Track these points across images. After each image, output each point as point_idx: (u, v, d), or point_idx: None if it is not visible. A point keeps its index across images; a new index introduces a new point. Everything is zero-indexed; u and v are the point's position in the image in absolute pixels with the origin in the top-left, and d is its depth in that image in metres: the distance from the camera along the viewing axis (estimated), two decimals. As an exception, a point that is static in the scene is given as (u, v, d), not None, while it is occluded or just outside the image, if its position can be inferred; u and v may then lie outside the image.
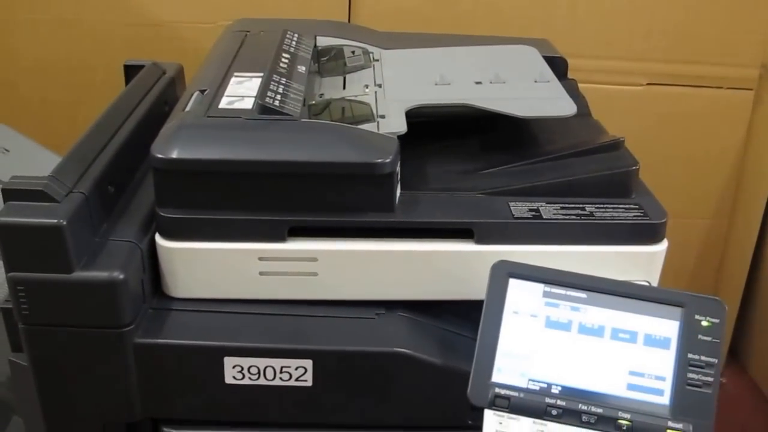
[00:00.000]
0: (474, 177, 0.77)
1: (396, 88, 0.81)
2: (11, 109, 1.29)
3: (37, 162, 0.93)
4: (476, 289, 0.72)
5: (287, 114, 0.71)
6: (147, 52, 1.30)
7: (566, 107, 0.78)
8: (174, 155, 0.67)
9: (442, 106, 0.78)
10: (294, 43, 0.87)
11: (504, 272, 0.68)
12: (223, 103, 0.73)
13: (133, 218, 0.73)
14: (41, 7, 1.28)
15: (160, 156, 0.67)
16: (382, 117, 0.75)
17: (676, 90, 1.22)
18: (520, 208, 0.73)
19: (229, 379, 0.70)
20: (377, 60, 0.89)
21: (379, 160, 0.68)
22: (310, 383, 0.70)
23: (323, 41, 0.92)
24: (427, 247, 0.71)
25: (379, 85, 0.82)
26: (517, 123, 0.86)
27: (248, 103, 0.73)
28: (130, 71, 0.93)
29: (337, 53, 0.89)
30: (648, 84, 1.21)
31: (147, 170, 0.81)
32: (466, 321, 0.75)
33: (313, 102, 0.78)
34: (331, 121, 0.74)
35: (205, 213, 0.69)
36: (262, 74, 0.78)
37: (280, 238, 0.70)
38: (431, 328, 0.73)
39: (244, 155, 0.68)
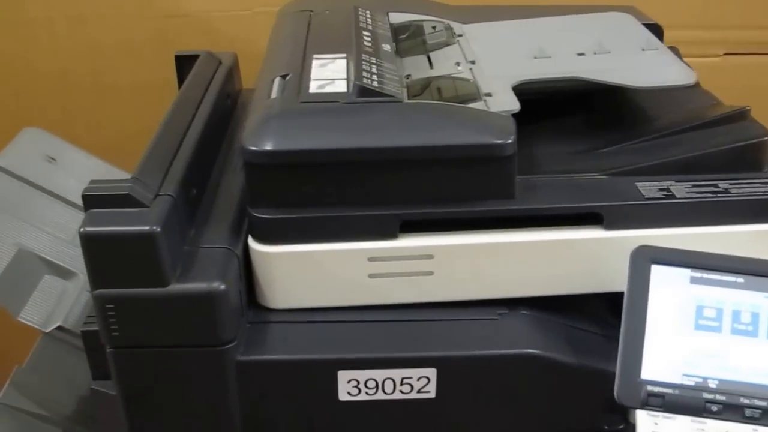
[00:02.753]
0: (590, 157, 0.72)
1: (492, 64, 0.75)
2: (30, 119, 1.22)
3: (88, 170, 0.87)
4: (606, 280, 0.67)
5: (389, 95, 0.65)
6: (176, 46, 1.24)
7: (685, 75, 0.73)
8: (271, 147, 0.61)
9: (550, 80, 0.72)
10: (369, 20, 0.81)
11: (645, 259, 0.63)
12: (313, 87, 0.67)
13: (221, 222, 0.67)
14: (55, 4, 1.21)
15: (254, 149, 0.61)
16: (488, 95, 0.69)
17: (755, 60, 1.17)
18: (649, 189, 0.67)
19: (343, 396, 0.64)
20: (460, 35, 0.83)
21: (500, 141, 0.62)
22: (433, 394, 0.64)
23: (397, 17, 0.86)
24: (551, 236, 0.65)
25: (473, 62, 0.76)
26: (621, 97, 0.80)
27: (341, 86, 0.67)
28: (183, 62, 0.88)
29: (416, 30, 0.83)
30: (725, 54, 1.16)
31: (223, 168, 0.75)
32: (591, 315, 0.70)
33: (410, 81, 0.72)
34: (434, 101, 0.68)
35: (306, 211, 0.63)
36: (344, 55, 0.72)
37: (392, 235, 0.64)
38: (557, 325, 0.67)
39: (349, 143, 0.61)
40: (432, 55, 0.80)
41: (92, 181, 0.60)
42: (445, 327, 0.66)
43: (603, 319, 0.70)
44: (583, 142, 0.74)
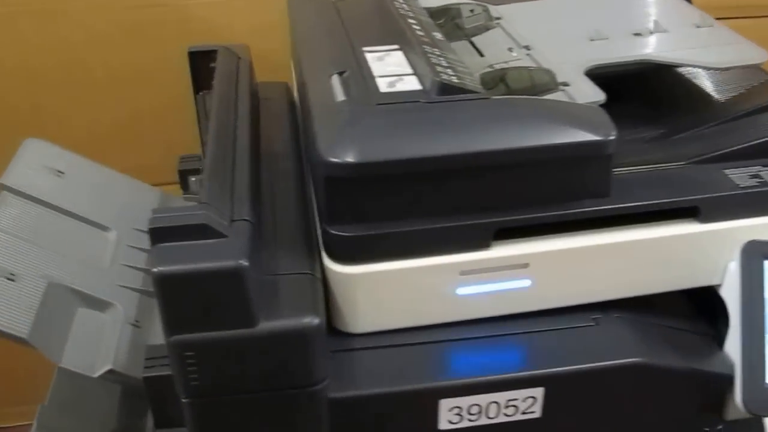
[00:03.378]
0: (666, 144, 0.65)
1: (550, 49, 0.67)
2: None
3: (97, 181, 0.75)
4: (701, 274, 0.61)
5: (472, 91, 0.56)
6: (151, 37, 1.12)
7: (758, 54, 0.66)
8: (356, 159, 0.51)
9: (619, 64, 0.65)
10: (405, 6, 0.72)
11: (758, 254, 0.56)
12: (383, 86, 0.57)
13: (289, 243, 0.57)
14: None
15: (336, 161, 0.52)
16: (565, 84, 0.61)
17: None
18: (740, 176, 0.60)
19: (443, 425, 0.57)
20: (498, 18, 0.74)
21: (603, 138, 0.54)
22: (538, 414, 0.57)
23: (427, 1, 0.76)
24: (647, 234, 0.58)
25: (527, 48, 0.68)
26: (675, 78, 0.74)
27: (412, 83, 0.57)
28: (197, 58, 0.76)
29: (454, 13, 0.74)
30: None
31: (268, 178, 0.65)
32: (677, 312, 0.64)
33: (483, 74, 0.63)
34: (512, 94, 0.60)
35: (391, 226, 0.54)
36: (397, 46, 0.63)
37: (485, 245, 0.56)
38: (651, 326, 0.61)
39: (442, 149, 0.52)
40: (475, 40, 0.72)
41: (155, 211, 0.50)
42: (544, 340, 0.58)
43: (688, 314, 0.64)
44: (650, 128, 0.67)
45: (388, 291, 0.56)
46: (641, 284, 0.60)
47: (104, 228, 0.71)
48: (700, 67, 0.65)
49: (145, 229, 0.72)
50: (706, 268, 0.60)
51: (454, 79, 0.57)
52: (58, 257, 0.64)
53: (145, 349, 0.56)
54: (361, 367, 0.56)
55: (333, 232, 0.55)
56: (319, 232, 0.58)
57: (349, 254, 0.55)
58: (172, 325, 0.49)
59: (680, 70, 0.74)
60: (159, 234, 0.49)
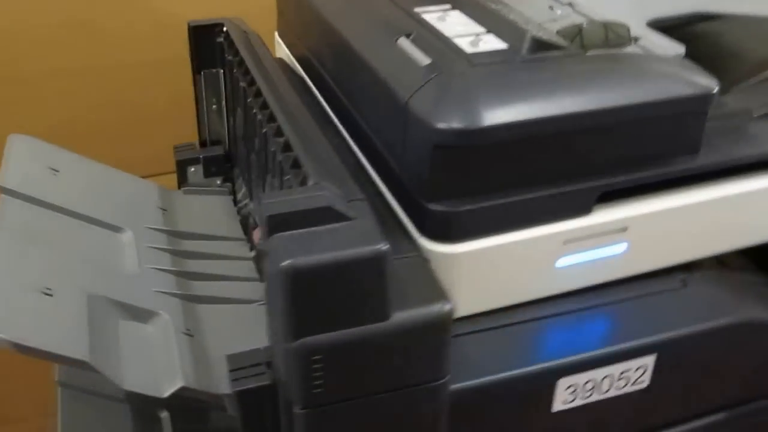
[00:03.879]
0: (731, 96, 0.62)
1: (594, 3, 0.63)
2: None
3: (92, 177, 0.64)
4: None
5: (564, 48, 0.51)
6: (93, 27, 0.99)
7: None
8: (473, 124, 0.45)
9: (676, 18, 0.62)
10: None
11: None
12: (466, 47, 0.51)
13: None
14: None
15: (450, 128, 0.45)
16: (636, 39, 0.57)
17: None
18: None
19: (557, 406, 0.51)
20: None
21: (708, 91, 0.51)
22: (646, 383, 0.53)
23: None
24: (735, 189, 0.55)
25: (569, 4, 0.63)
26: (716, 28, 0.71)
27: (494, 42, 0.52)
28: (198, 34, 0.66)
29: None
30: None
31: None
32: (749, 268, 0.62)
33: (559, 29, 0.57)
34: (587, 49, 0.55)
35: (494, 197, 0.48)
36: (450, 6, 0.57)
37: (586, 210, 0.51)
38: (739, 283, 0.58)
39: (555, 109, 0.47)
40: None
41: (267, 196, 0.41)
42: (640, 306, 0.54)
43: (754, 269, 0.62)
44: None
45: (489, 269, 0.50)
46: (730, 240, 0.57)
47: (117, 229, 0.60)
48: (752, 15, 0.63)
49: (162, 228, 0.63)
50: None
51: (543, 36, 0.51)
52: (85, 265, 0.54)
53: (228, 360, 0.47)
54: (474, 354, 0.50)
55: (435, 208, 0.48)
56: (399, 209, 0.51)
57: (450, 232, 0.49)
58: (298, 327, 0.41)
59: (729, 21, 0.72)
60: (277, 222, 0.40)
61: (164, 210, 0.66)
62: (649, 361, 0.52)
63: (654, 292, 0.55)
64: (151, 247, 0.60)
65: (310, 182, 0.44)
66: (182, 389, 0.49)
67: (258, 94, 0.56)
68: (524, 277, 0.52)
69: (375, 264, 0.41)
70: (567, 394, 0.51)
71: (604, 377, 0.52)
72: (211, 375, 0.51)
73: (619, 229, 0.53)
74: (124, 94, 0.99)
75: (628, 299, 0.55)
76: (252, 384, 0.46)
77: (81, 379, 0.64)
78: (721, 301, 0.55)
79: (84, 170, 0.64)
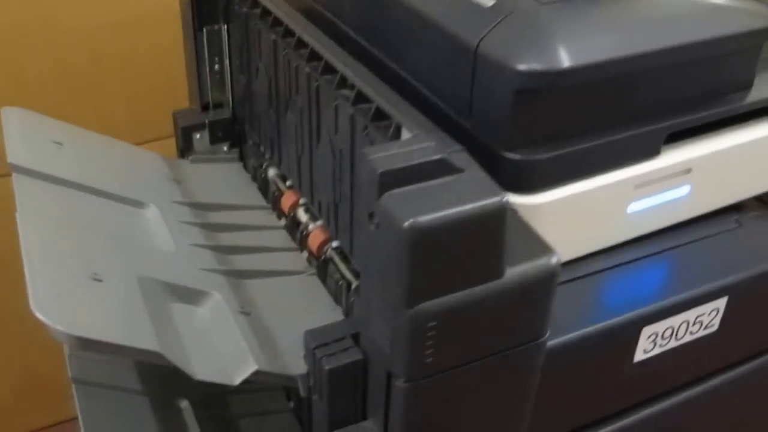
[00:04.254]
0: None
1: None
2: None
3: (97, 149, 0.57)
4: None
5: (624, -15, 0.48)
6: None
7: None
8: (559, 65, 0.42)
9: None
10: None
11: None
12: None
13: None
14: None
15: (529, 69, 0.42)
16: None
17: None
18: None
19: (639, 356, 0.49)
20: None
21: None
22: (716, 327, 0.52)
23: None
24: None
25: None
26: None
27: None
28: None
29: None
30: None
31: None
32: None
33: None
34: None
35: (570, 143, 0.45)
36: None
37: (655, 152, 0.49)
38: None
39: (634, 48, 0.44)
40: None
41: (371, 151, 0.37)
42: (700, 249, 0.53)
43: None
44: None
45: (565, 219, 0.47)
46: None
47: (140, 204, 0.53)
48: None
49: (185, 201, 0.57)
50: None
51: (606, -29, 0.48)
52: (122, 246, 0.48)
53: (308, 338, 0.43)
54: (561, 309, 0.47)
55: (513, 157, 0.44)
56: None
57: (529, 182, 0.45)
58: (416, 293, 0.37)
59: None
60: (389, 178, 0.36)
61: (178, 182, 0.59)
62: (722, 303, 0.51)
63: (713, 233, 0.54)
64: (181, 222, 0.54)
65: (405, 134, 0.40)
66: (255, 374, 0.44)
67: (300, 45, 0.50)
68: (598, 226, 0.49)
69: (496, 217, 0.37)
70: (648, 343, 0.49)
71: (682, 323, 0.50)
72: (279, 355, 0.46)
73: (684, 171, 0.51)
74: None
75: (691, 242, 0.53)
76: (344, 360, 0.41)
77: (94, 374, 0.58)
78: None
79: (86, 142, 0.57)
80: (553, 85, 0.42)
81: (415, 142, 0.38)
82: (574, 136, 0.46)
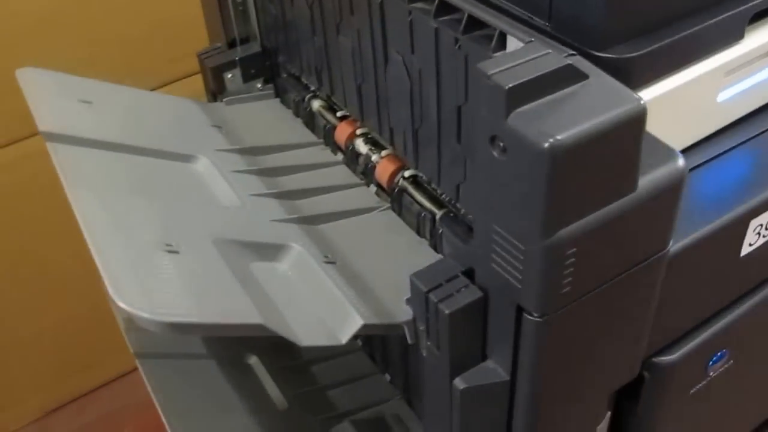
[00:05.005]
0: None
1: None
2: None
3: (133, 106, 0.50)
4: None
5: None
6: None
7: None
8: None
9: None
10: None
11: None
12: None
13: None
14: None
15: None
16: None
17: None
18: None
19: (745, 250, 0.45)
20: None
21: None
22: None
23: None
24: None
25: None
26: None
27: None
28: None
29: None
30: None
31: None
32: None
33: None
34: None
35: (660, 37, 0.39)
36: None
37: (740, 36, 0.43)
38: None
39: None
40: None
41: (484, 65, 0.30)
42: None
43: None
44: None
45: (659, 116, 0.41)
46: None
47: (188, 158, 0.47)
48: None
49: (234, 148, 0.51)
50: None
51: None
52: (185, 207, 0.42)
53: (417, 281, 0.37)
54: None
55: (609, 56, 0.38)
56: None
57: (628, 80, 0.39)
58: (556, 218, 0.31)
59: None
60: (517, 94, 0.30)
61: (218, 127, 0.53)
62: (821, 185, 0.46)
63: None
64: (235, 171, 0.48)
65: (513, 43, 0.34)
66: (363, 328, 0.39)
67: (350, -42, 0.43)
68: (691, 119, 0.44)
69: (637, 123, 0.31)
70: (753, 235, 0.45)
71: (784, 211, 0.45)
72: (379, 303, 0.41)
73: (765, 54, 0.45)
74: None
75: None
76: (463, 301, 0.37)
77: (155, 345, 0.53)
78: None
79: (115, 97, 0.50)
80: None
81: (532, 50, 0.32)
82: (661, 28, 0.40)
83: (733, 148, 0.46)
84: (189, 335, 0.37)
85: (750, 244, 0.45)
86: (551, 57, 0.31)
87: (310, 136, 0.54)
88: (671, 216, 0.37)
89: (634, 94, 0.31)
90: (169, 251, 0.37)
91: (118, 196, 0.39)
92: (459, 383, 0.39)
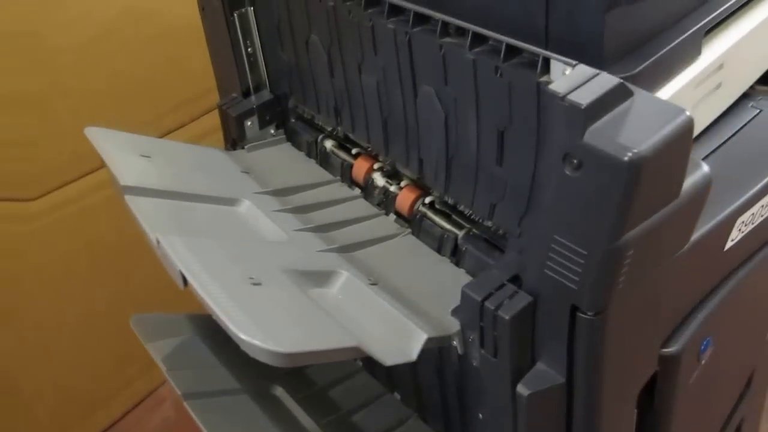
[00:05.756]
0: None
1: None
2: None
3: (180, 158, 0.46)
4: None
5: None
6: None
7: None
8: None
9: None
10: None
11: None
12: None
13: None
14: None
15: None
16: None
17: None
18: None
19: (728, 245, 0.45)
20: None
21: None
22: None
23: None
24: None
25: None
26: None
27: None
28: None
29: None
30: None
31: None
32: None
33: None
34: None
35: (656, 48, 0.38)
36: None
37: (698, 53, 0.43)
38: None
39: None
40: None
41: (556, 86, 0.29)
42: (755, 134, 0.48)
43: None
44: None
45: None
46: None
47: (233, 201, 0.43)
48: None
49: (268, 190, 0.47)
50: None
51: None
52: (250, 243, 0.38)
53: (469, 291, 0.35)
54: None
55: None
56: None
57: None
58: (624, 225, 0.30)
59: None
60: (591, 111, 0.28)
61: (247, 172, 0.49)
62: (779, 184, 0.47)
63: (747, 121, 0.49)
64: (273, 211, 0.44)
65: (558, 67, 0.32)
66: (427, 342, 0.36)
67: (371, 3, 0.41)
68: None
69: (689, 133, 0.30)
70: (735, 231, 0.45)
71: (761, 206, 0.46)
72: (429, 316, 0.38)
73: (719, 67, 0.46)
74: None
75: (737, 131, 0.48)
76: (519, 305, 0.34)
77: (194, 384, 0.49)
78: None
79: (165, 150, 0.46)
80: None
81: (581, 73, 0.30)
82: (648, 46, 0.39)
83: (708, 156, 0.47)
84: (299, 364, 0.33)
85: (732, 240, 0.45)
86: (604, 77, 0.30)
87: (326, 175, 0.51)
88: (696, 218, 0.36)
89: (682, 108, 0.31)
90: (253, 284, 0.33)
91: (197, 238, 0.35)
92: (523, 390, 0.36)
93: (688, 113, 0.30)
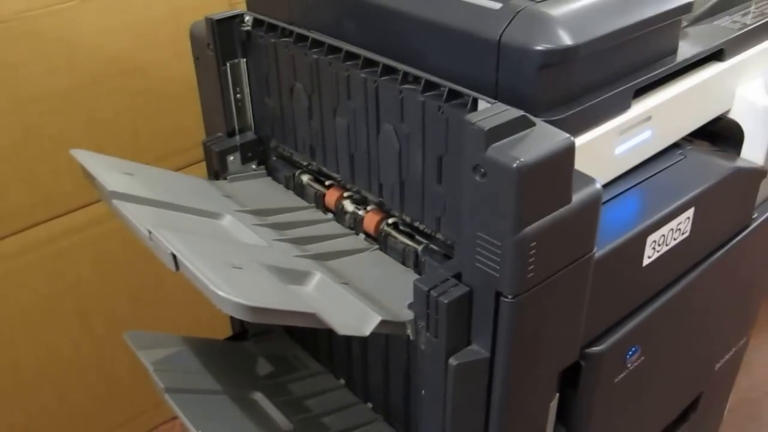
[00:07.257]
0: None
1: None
2: None
3: (161, 179, 0.63)
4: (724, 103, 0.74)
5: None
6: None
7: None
8: (574, 41, 0.54)
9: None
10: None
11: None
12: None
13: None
14: None
15: (553, 48, 0.53)
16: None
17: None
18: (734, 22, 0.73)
19: (645, 261, 0.62)
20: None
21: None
22: (688, 233, 0.66)
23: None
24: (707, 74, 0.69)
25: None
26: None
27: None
28: (220, 27, 0.67)
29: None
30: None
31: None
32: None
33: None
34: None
35: (579, 103, 0.58)
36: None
37: (627, 107, 0.62)
38: (711, 153, 0.73)
39: (626, 20, 0.57)
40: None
41: (471, 116, 0.47)
42: (671, 176, 0.67)
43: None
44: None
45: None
46: (697, 119, 0.72)
47: (216, 215, 0.61)
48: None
49: (246, 209, 0.65)
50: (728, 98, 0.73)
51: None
52: (233, 245, 0.55)
53: (420, 284, 0.52)
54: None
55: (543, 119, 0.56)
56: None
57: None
58: (522, 219, 0.47)
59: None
60: (492, 134, 0.46)
61: (228, 197, 0.67)
62: (691, 212, 0.65)
63: (672, 164, 0.68)
64: (254, 225, 0.61)
65: (483, 105, 0.51)
66: (379, 324, 0.53)
67: (349, 57, 0.60)
68: (598, 165, 0.61)
69: (569, 152, 0.48)
70: (650, 249, 0.62)
71: (669, 230, 0.63)
72: (387, 309, 0.55)
73: (646, 119, 0.65)
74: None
75: (658, 173, 0.67)
76: (456, 293, 0.51)
77: (179, 383, 0.64)
78: (713, 162, 0.69)
79: (146, 172, 0.64)
80: (564, 58, 0.55)
81: (496, 108, 0.49)
82: (574, 100, 0.58)
83: (631, 188, 0.65)
84: (262, 321, 0.49)
85: (648, 257, 0.63)
86: (511, 111, 0.48)
87: (303, 202, 0.69)
88: (595, 224, 0.53)
89: (566, 134, 0.48)
90: (235, 268, 0.50)
91: (185, 234, 0.52)
92: (452, 361, 0.53)
93: (571, 138, 0.48)
